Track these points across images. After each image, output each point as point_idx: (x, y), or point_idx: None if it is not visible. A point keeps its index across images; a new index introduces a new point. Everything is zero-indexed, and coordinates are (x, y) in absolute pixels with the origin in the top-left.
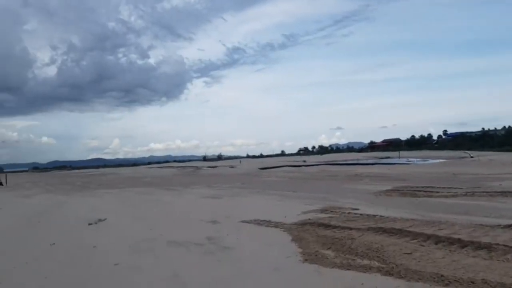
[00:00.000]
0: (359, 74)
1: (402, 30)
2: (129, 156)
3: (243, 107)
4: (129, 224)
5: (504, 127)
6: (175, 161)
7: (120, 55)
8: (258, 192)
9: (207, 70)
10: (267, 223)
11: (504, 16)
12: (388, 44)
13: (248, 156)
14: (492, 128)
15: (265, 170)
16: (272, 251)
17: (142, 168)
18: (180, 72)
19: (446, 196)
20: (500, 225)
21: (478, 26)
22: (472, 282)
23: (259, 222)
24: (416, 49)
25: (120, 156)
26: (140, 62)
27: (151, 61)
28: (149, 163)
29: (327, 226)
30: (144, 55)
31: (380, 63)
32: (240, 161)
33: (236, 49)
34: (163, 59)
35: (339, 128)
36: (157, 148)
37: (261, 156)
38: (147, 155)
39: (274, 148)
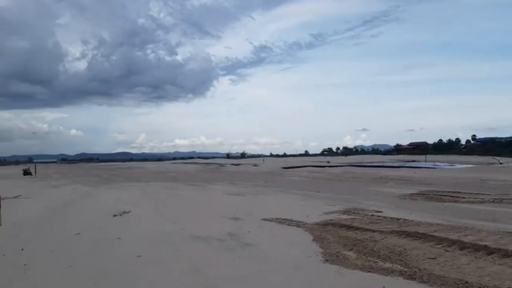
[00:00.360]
0: (387, 76)
1: (432, 31)
2: (155, 151)
3: (268, 106)
4: (153, 217)
5: None
6: (199, 157)
7: (148, 51)
8: (281, 191)
9: (234, 68)
10: (289, 222)
11: None
12: (418, 45)
13: (271, 155)
14: None
15: (288, 170)
16: (293, 250)
17: (167, 163)
18: (207, 70)
19: (473, 202)
20: None
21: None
22: None
23: (280, 221)
24: (446, 52)
25: (146, 150)
26: (168, 58)
27: (179, 58)
28: (174, 158)
29: (349, 227)
30: (172, 51)
31: (409, 64)
32: (263, 160)
33: (263, 48)
34: (191, 56)
35: (364, 129)
36: (182, 144)
37: (285, 155)
38: (172, 150)
39: (298, 147)
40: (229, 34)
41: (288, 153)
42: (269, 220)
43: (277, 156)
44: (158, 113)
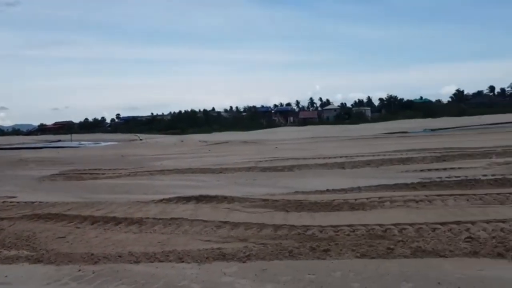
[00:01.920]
0: (29, 50)
1: (81, 9)
2: None
3: None
4: None
5: (170, 112)
6: None
7: None
8: None
9: None
10: None
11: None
12: (65, 21)
13: None
14: (160, 113)
15: None
16: None
17: None
18: None
19: (111, 177)
20: (153, 200)
21: (151, 15)
22: (120, 256)
23: None
24: (97, 31)
25: None
26: None
27: None
28: None
29: None
30: None
31: (54, 40)
32: None
33: None
34: None
35: (3, 108)
36: None
37: None
38: None
39: None
40: None
41: None
42: None
43: None
44: None
